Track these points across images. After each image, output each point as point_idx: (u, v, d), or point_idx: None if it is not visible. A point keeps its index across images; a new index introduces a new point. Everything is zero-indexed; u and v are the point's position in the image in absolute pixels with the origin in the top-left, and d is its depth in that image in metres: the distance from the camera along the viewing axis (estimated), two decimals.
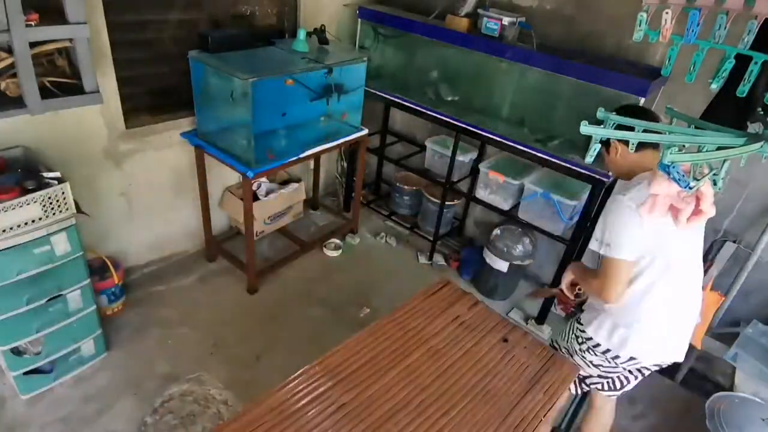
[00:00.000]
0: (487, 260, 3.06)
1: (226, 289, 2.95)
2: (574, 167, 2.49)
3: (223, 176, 3.08)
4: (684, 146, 1.35)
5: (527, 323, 3.02)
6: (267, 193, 3.18)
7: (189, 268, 3.05)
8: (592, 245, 1.64)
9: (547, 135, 2.74)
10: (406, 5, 3.28)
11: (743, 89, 1.31)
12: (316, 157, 3.28)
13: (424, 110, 3.00)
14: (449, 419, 1.61)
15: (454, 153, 2.98)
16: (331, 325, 2.80)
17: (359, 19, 3.21)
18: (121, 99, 2.42)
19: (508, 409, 1.69)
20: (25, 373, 2.12)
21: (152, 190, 2.76)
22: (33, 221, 1.83)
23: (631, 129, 1.38)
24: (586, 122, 1.32)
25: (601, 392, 1.96)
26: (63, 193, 1.87)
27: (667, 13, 1.31)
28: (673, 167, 1.30)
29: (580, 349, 1.89)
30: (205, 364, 2.44)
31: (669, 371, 2.75)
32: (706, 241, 2.59)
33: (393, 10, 3.19)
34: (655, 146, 1.60)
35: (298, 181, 3.39)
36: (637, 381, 1.87)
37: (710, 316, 2.34)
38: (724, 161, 1.37)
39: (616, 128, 1.41)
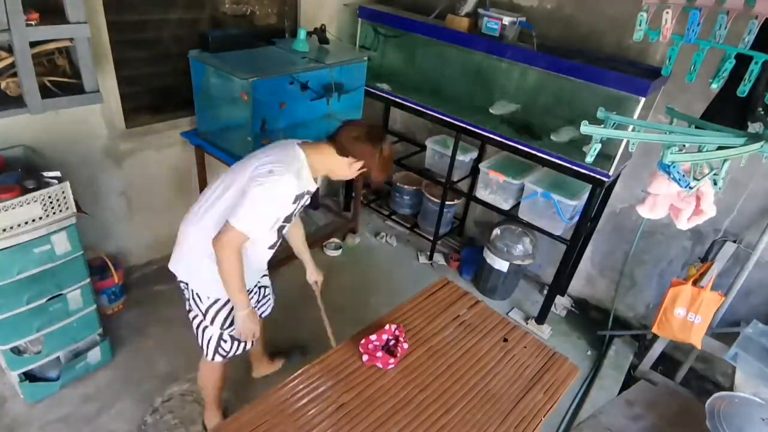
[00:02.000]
0: (487, 260, 3.06)
1: None
2: (574, 167, 2.49)
3: None
4: (684, 146, 1.35)
5: (527, 323, 3.02)
6: None
7: None
8: None
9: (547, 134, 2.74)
10: (406, 5, 3.28)
11: (744, 89, 1.31)
12: None
13: (424, 110, 3.00)
14: (449, 419, 1.61)
15: (454, 153, 2.98)
16: (330, 324, 2.79)
17: (359, 19, 3.21)
18: (122, 98, 2.42)
19: (508, 408, 1.69)
20: (32, 381, 2.12)
21: (152, 189, 2.76)
22: (33, 220, 1.82)
23: None
24: (587, 122, 1.32)
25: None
26: (63, 192, 1.87)
27: (667, 12, 1.30)
28: (674, 167, 1.30)
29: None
30: None
31: (669, 371, 2.77)
32: (706, 240, 2.61)
33: (393, 10, 3.19)
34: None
35: None
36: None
37: (710, 316, 2.34)
38: (725, 161, 1.37)
39: (615, 128, 1.41)
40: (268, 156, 1.63)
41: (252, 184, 1.54)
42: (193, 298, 1.75)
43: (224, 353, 1.86)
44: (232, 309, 1.72)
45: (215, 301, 1.72)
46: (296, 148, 1.66)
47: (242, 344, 1.87)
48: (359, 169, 1.68)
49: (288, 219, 1.71)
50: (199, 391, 2.22)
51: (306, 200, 1.74)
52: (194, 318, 1.81)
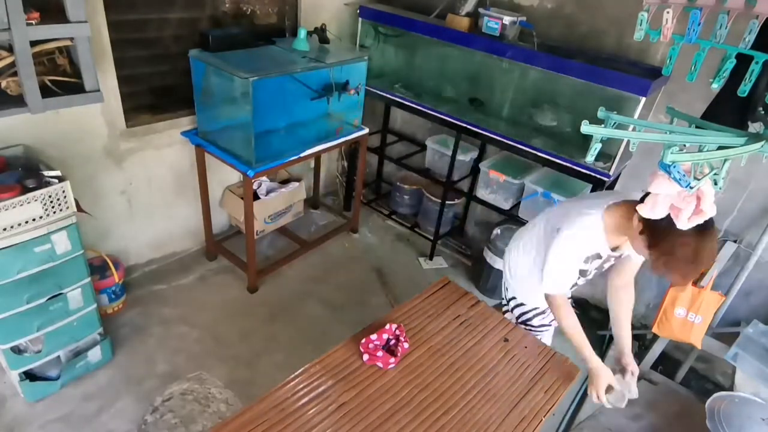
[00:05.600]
0: (488, 260, 3.06)
1: (227, 288, 2.95)
2: (574, 166, 2.49)
3: (223, 175, 3.09)
4: (685, 146, 1.34)
5: None
6: (267, 192, 3.18)
7: (189, 266, 3.05)
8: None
9: (547, 134, 2.74)
10: (406, 4, 3.28)
11: (744, 89, 1.31)
12: (317, 156, 3.28)
13: (425, 110, 3.00)
14: (449, 418, 1.61)
15: (454, 152, 2.98)
16: (331, 324, 2.80)
17: (360, 18, 3.21)
18: (122, 98, 2.42)
19: (509, 408, 1.69)
20: (32, 380, 2.12)
21: (153, 188, 2.76)
22: (33, 220, 1.83)
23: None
24: (587, 122, 1.32)
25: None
26: (63, 191, 1.87)
27: (668, 12, 1.30)
28: (674, 167, 1.30)
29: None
30: (205, 362, 2.44)
31: (669, 371, 2.77)
32: None
33: (394, 9, 3.18)
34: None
35: (298, 180, 3.39)
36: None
37: (711, 316, 2.34)
38: (725, 161, 1.36)
39: (616, 128, 1.41)
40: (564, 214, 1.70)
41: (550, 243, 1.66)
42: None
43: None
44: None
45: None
46: (597, 215, 1.59)
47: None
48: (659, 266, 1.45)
49: (582, 273, 1.73)
50: (198, 390, 2.23)
51: (603, 262, 1.72)
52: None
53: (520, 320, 2.08)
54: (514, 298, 2.06)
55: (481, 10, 2.69)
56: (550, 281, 1.68)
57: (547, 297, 1.75)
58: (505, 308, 2.14)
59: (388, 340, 1.86)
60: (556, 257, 1.63)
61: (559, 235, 1.62)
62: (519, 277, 1.97)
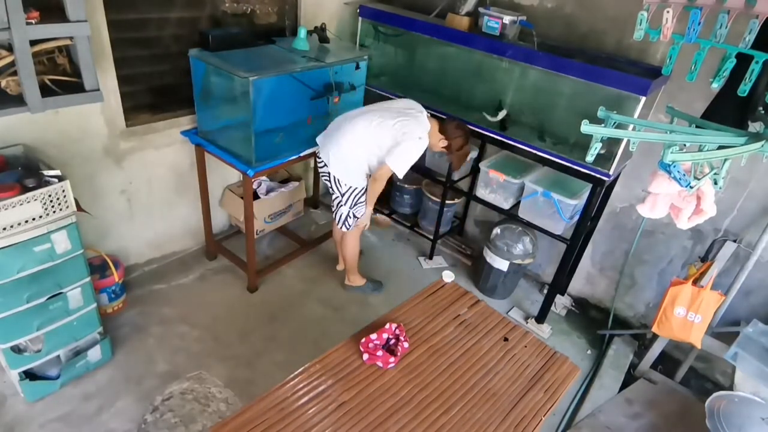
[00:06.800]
0: (487, 259, 3.06)
1: (227, 287, 2.95)
2: (574, 166, 2.49)
3: (223, 175, 3.09)
4: (685, 145, 1.35)
5: (527, 322, 3.02)
6: (267, 192, 3.18)
7: (189, 266, 3.05)
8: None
9: (547, 134, 2.74)
10: (407, 4, 3.27)
11: (744, 88, 1.31)
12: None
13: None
14: (449, 418, 1.61)
15: None
16: (331, 323, 2.80)
17: (360, 18, 3.21)
18: (122, 97, 2.42)
19: (509, 407, 1.69)
20: (32, 379, 2.12)
21: (153, 188, 2.76)
22: (33, 219, 1.83)
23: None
24: (587, 121, 1.33)
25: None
26: (63, 191, 1.87)
27: (668, 12, 1.31)
28: (674, 166, 1.31)
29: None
30: (205, 362, 2.44)
31: (668, 370, 2.77)
32: (706, 240, 2.61)
33: (394, 9, 3.18)
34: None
35: (298, 179, 3.39)
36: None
37: (710, 315, 2.34)
38: (725, 160, 1.37)
39: (616, 127, 1.41)
40: (408, 119, 2.44)
41: (405, 139, 2.38)
42: (336, 184, 2.56)
43: (348, 226, 2.69)
44: (357, 197, 2.59)
45: (349, 189, 2.55)
46: (426, 120, 2.50)
47: (357, 223, 2.71)
48: (442, 147, 2.55)
49: None
50: (198, 389, 2.23)
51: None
52: (334, 199, 2.65)
53: (354, 201, 2.60)
54: (351, 187, 2.54)
55: (481, 9, 2.69)
56: (402, 168, 2.41)
57: (380, 177, 2.48)
58: (338, 201, 2.62)
59: (388, 339, 1.86)
60: (410, 152, 2.39)
61: (411, 137, 2.38)
62: (353, 172, 2.51)
